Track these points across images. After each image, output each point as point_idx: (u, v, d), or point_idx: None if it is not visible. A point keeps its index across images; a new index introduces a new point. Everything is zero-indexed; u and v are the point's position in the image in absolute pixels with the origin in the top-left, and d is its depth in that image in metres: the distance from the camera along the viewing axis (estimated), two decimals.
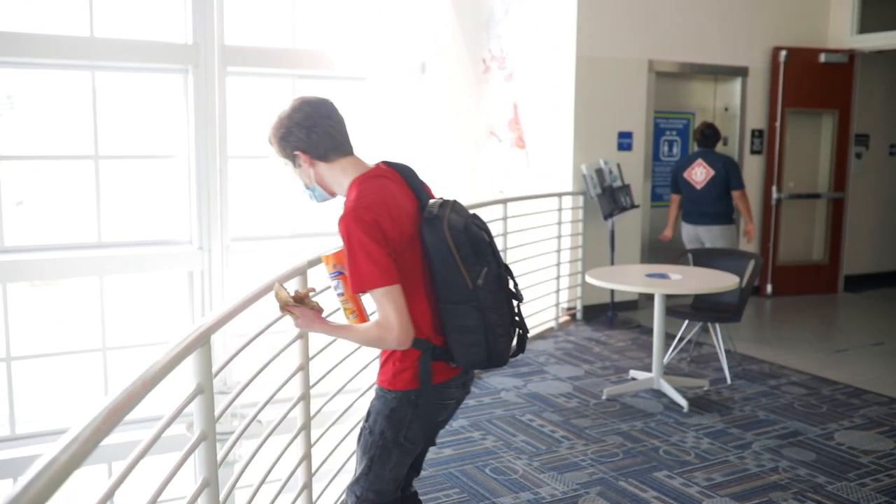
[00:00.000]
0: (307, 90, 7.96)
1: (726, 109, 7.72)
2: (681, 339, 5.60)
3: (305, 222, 8.05)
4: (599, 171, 6.64)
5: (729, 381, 5.17)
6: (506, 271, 2.23)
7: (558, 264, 6.53)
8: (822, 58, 7.61)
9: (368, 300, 2.15)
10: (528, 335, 2.37)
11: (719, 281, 4.74)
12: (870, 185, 8.58)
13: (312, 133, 2.15)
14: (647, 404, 4.72)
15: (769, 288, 7.78)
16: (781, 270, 7.84)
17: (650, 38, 7.04)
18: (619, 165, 6.82)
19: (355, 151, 2.24)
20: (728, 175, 6.18)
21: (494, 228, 6.05)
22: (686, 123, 7.61)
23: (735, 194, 6.21)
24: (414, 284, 2.13)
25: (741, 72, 7.54)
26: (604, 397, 4.83)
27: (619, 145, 7.00)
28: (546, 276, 6.47)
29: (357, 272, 2.03)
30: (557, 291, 6.53)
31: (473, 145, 8.09)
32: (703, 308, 5.33)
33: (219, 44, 7.33)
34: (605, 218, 6.63)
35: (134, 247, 7.50)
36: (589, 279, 4.91)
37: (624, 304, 7.05)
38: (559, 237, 6.52)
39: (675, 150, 7.56)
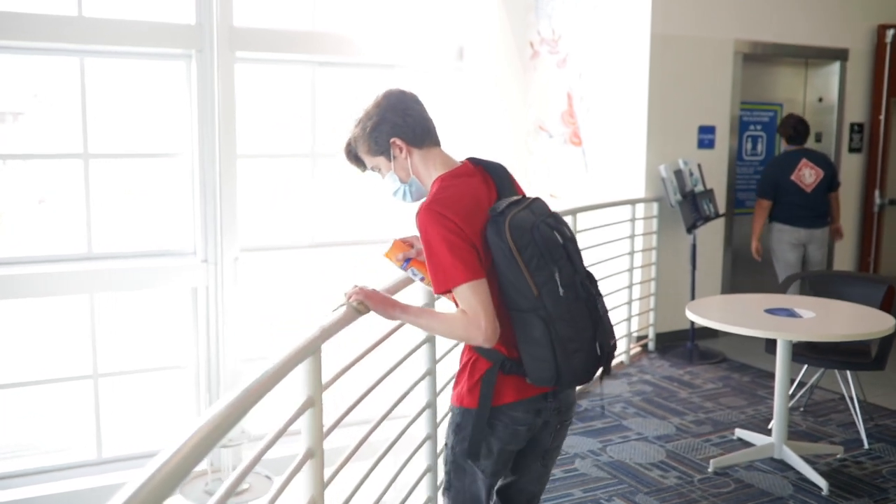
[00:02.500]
0: (328, 79, 6.92)
1: (820, 100, 6.56)
2: (800, 385, 4.48)
3: (327, 230, 6.99)
4: (679, 174, 5.53)
5: (866, 445, 4.04)
6: (587, 278, 2.00)
7: (630, 286, 5.43)
8: None
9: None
10: (614, 352, 2.06)
11: (870, 322, 3.60)
12: None
13: (408, 116, 2.03)
14: (770, 482, 3.60)
15: None
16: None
17: (736, 12, 5.90)
18: (699, 166, 5.70)
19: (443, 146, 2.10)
20: (833, 174, 5.53)
21: None
22: (773, 116, 6.46)
23: (834, 195, 5.55)
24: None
25: (839, 55, 6.37)
26: (710, 469, 3.72)
27: (700, 142, 5.88)
28: (616, 300, 5.35)
29: (440, 268, 1.89)
30: (629, 318, 5.43)
31: (520, 142, 6.99)
32: (826, 349, 4.19)
33: (226, 25, 6.27)
34: (689, 230, 5.50)
35: (129, 259, 6.47)
36: (690, 315, 3.80)
37: (701, 330, 5.91)
38: (632, 253, 5.43)
39: (760, 147, 6.42)
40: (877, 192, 6.55)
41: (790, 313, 3.70)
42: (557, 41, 6.58)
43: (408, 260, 2.14)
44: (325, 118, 6.94)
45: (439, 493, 2.93)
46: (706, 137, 5.88)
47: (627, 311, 5.43)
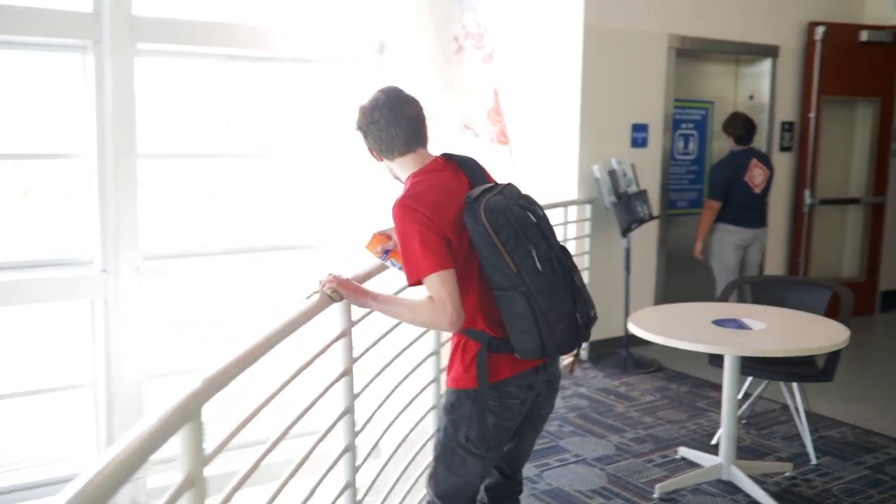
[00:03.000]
0: (240, 73, 6.44)
1: (751, 97, 6.41)
2: (743, 396, 4.25)
3: (241, 235, 6.51)
4: (612, 174, 5.28)
5: (814, 460, 3.83)
6: (562, 253, 2.10)
7: None
8: (864, 36, 6.36)
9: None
10: (594, 322, 2.15)
11: (824, 334, 3.38)
12: None
13: (383, 132, 2.15)
14: None
15: None
16: None
17: (669, 5, 5.68)
18: (633, 166, 5.46)
19: (425, 144, 2.21)
20: (773, 174, 5.46)
21: None
22: (704, 114, 6.28)
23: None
24: (466, 274, 2.07)
25: (770, 52, 6.23)
26: (656, 495, 3.45)
27: (633, 141, 5.64)
28: None
29: (412, 259, 2.00)
30: None
31: (446, 141, 6.65)
32: (774, 361, 3.95)
33: (124, 13, 5.75)
34: (624, 234, 5.25)
35: (18, 270, 5.87)
36: (633, 328, 3.54)
37: (635, 336, 5.67)
38: None
39: (692, 146, 6.24)
40: (807, 192, 6.44)
41: (739, 325, 3.46)
42: (483, 35, 6.26)
43: (387, 252, 2.25)
44: (239, 116, 6.47)
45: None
46: (639, 136, 5.65)
47: None
